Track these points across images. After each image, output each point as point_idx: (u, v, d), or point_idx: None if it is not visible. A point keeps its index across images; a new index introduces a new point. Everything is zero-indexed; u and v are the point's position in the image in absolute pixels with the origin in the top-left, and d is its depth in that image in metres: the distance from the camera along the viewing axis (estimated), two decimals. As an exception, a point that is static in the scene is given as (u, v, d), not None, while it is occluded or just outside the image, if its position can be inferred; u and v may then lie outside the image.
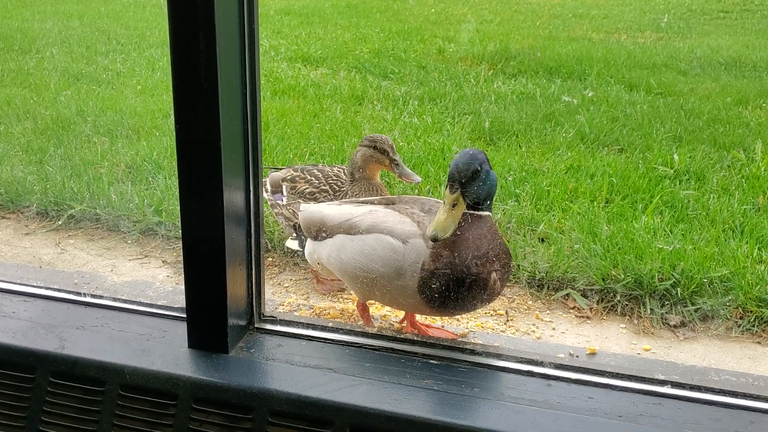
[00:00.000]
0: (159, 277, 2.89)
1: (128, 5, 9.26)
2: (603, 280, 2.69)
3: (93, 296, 1.94)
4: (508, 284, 2.73)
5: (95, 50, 6.69)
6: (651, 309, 2.59)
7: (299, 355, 1.68)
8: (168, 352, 1.67)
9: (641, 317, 2.58)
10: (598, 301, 2.65)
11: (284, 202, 2.87)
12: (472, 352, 1.71)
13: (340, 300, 2.70)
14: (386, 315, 2.52)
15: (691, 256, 2.75)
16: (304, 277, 2.89)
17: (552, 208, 3.31)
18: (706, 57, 6.28)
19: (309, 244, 2.33)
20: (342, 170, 2.91)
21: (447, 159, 3.85)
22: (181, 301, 1.78)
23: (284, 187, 2.91)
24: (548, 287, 2.74)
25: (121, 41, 7.08)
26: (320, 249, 2.23)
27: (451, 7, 9.25)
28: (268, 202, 2.95)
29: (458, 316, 2.52)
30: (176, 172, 1.58)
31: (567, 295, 2.70)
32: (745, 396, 1.54)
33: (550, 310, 2.64)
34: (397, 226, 2.01)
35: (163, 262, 3.03)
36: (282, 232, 3.03)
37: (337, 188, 2.83)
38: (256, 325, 1.79)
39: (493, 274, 1.87)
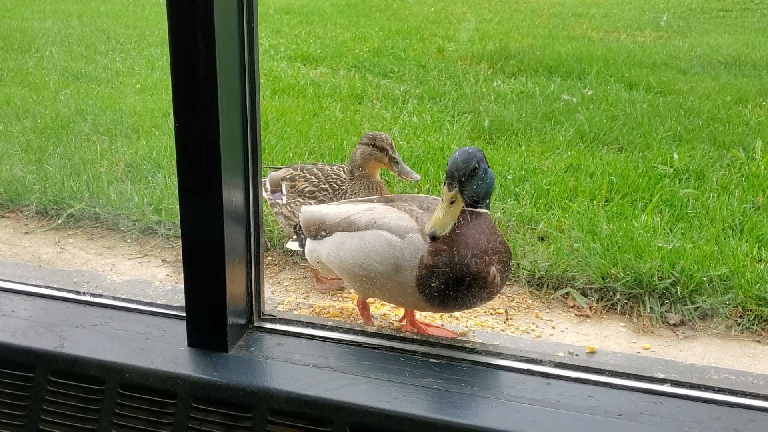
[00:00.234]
0: (158, 276, 2.89)
1: (127, 4, 9.25)
2: (602, 278, 2.69)
3: (92, 295, 1.94)
4: (507, 282, 2.73)
5: (95, 49, 6.69)
6: (650, 308, 2.59)
7: (299, 353, 1.68)
8: (167, 351, 1.67)
9: (641, 316, 2.58)
10: (597, 300, 2.65)
11: (284, 201, 2.88)
12: (472, 350, 1.71)
13: (340, 299, 2.70)
14: (386, 314, 2.52)
15: (691, 254, 2.76)
16: (303, 275, 2.89)
17: (551, 206, 3.31)
18: (705, 56, 6.28)
19: (309, 243, 2.33)
20: (342, 169, 2.91)
21: (446, 158, 3.85)
22: (180, 300, 1.78)
23: (284, 186, 2.91)
24: (548, 286, 2.74)
25: (120, 40, 7.07)
26: (319, 247, 2.23)
27: (450, 6, 9.24)
28: (268, 202, 2.95)
29: (457, 315, 2.52)
30: (176, 171, 1.58)
31: (566, 293, 2.70)
32: (744, 394, 1.54)
33: (550, 309, 2.64)
34: (395, 222, 2.01)
35: (162, 261, 3.03)
36: (281, 231, 3.03)
37: (337, 187, 2.83)
38: (256, 324, 1.79)
39: (492, 269, 1.87)
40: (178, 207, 1.63)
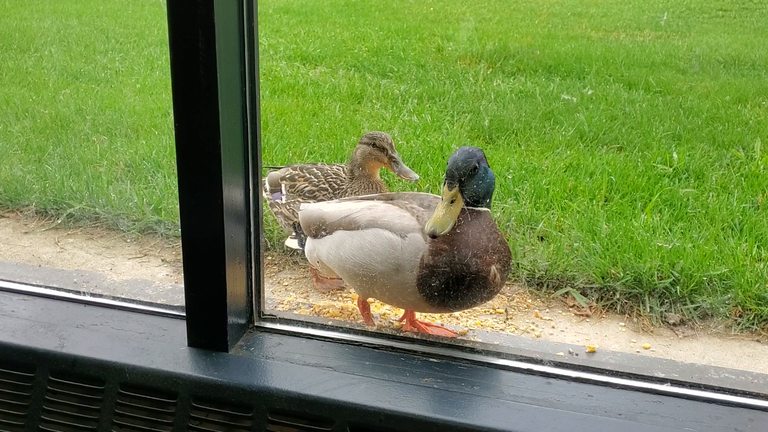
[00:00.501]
0: (158, 276, 2.89)
1: (127, 4, 9.25)
2: (602, 278, 2.70)
3: (92, 295, 1.94)
4: (507, 282, 2.73)
5: (94, 49, 6.69)
6: (650, 307, 2.59)
7: (299, 353, 1.68)
8: (168, 351, 1.67)
9: (640, 315, 2.58)
10: (597, 300, 2.65)
11: (283, 201, 2.87)
12: (472, 350, 1.71)
13: (340, 298, 2.70)
14: (386, 313, 2.52)
15: (691, 254, 2.76)
16: (303, 275, 2.89)
17: (551, 206, 3.31)
18: (705, 55, 6.28)
19: (309, 242, 2.32)
20: (341, 168, 2.91)
21: (446, 157, 3.85)
22: (180, 299, 1.78)
23: (283, 186, 2.91)
24: (548, 285, 2.74)
25: (119, 40, 7.07)
26: (319, 246, 2.23)
27: (449, 6, 9.24)
28: (267, 201, 2.95)
29: (457, 314, 2.52)
30: (175, 171, 1.58)
31: (566, 293, 2.70)
32: (744, 394, 1.54)
33: (550, 309, 2.64)
34: (396, 221, 2.00)
35: (162, 260, 3.03)
36: (281, 231, 3.03)
37: (337, 186, 2.83)
38: (256, 324, 1.79)
39: (493, 268, 1.87)
40: (178, 206, 1.63)
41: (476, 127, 4.49)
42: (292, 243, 2.59)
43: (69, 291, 1.96)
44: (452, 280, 1.87)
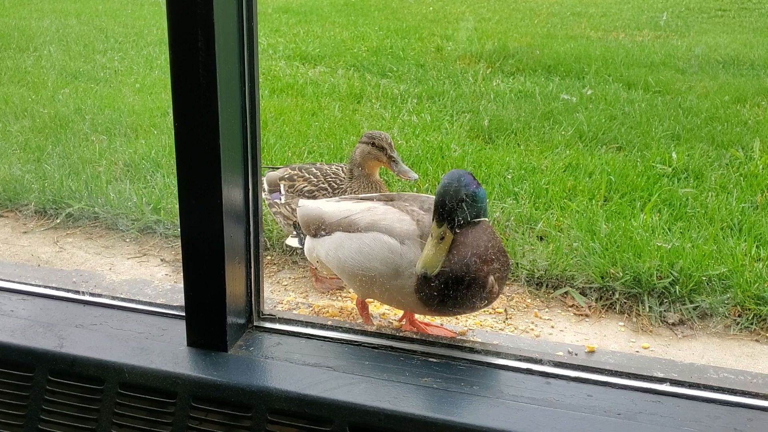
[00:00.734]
0: (158, 276, 2.89)
1: (126, 3, 9.25)
2: (601, 278, 2.70)
3: (91, 295, 1.94)
4: (506, 284, 2.73)
5: (93, 48, 6.68)
6: (649, 307, 2.59)
7: (298, 353, 1.68)
8: (167, 351, 1.67)
9: (640, 315, 2.58)
10: (596, 299, 2.65)
11: (282, 201, 2.87)
12: (471, 350, 1.71)
13: (339, 298, 2.70)
14: (385, 313, 2.52)
15: (690, 254, 2.76)
16: (302, 275, 2.89)
17: (550, 206, 3.31)
18: (704, 55, 6.28)
19: (308, 241, 2.32)
20: (340, 168, 2.91)
21: (445, 157, 3.85)
22: (179, 299, 1.78)
23: (282, 186, 2.91)
24: (547, 285, 2.74)
25: (119, 39, 7.06)
26: (319, 246, 2.23)
27: (449, 6, 9.24)
28: (266, 201, 2.95)
29: (458, 315, 2.52)
30: (175, 171, 1.58)
31: (566, 293, 2.70)
32: (743, 393, 1.54)
33: (549, 308, 2.64)
34: (396, 225, 2.00)
35: (161, 260, 3.03)
36: (280, 231, 3.03)
37: (336, 186, 2.83)
38: (255, 324, 1.79)
39: (491, 278, 1.87)
40: (177, 206, 1.63)
41: (475, 126, 4.50)
42: (292, 242, 2.59)
43: (68, 291, 1.96)
44: (450, 284, 1.87)
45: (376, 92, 5.30)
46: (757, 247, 2.89)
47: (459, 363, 1.66)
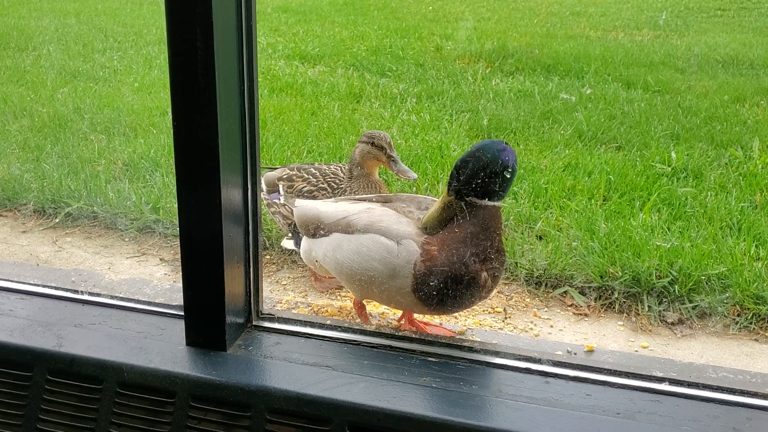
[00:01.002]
0: (156, 275, 2.89)
1: (125, 2, 9.24)
2: (601, 277, 2.70)
3: (90, 294, 1.94)
4: (506, 281, 2.73)
5: (92, 48, 6.68)
6: (648, 306, 2.59)
7: (297, 352, 1.68)
8: (166, 350, 1.67)
9: (639, 314, 2.58)
10: (595, 299, 2.65)
11: (282, 201, 2.87)
12: (470, 349, 1.71)
13: (338, 298, 2.70)
14: (384, 313, 2.52)
15: (689, 253, 2.76)
16: (302, 274, 2.89)
17: (550, 205, 3.31)
18: (703, 55, 6.28)
19: (305, 241, 2.32)
20: (339, 168, 2.91)
21: (445, 156, 3.85)
22: (178, 298, 1.78)
23: (281, 187, 2.91)
24: (546, 285, 2.74)
25: (118, 38, 7.06)
26: (316, 247, 2.23)
27: (448, 5, 9.24)
28: (264, 201, 2.95)
29: (456, 314, 2.52)
30: (174, 170, 1.58)
31: (565, 292, 2.70)
32: (742, 393, 1.54)
33: (548, 308, 2.64)
34: (393, 226, 2.00)
35: (160, 259, 3.02)
36: (280, 231, 3.03)
37: (336, 186, 2.83)
38: (254, 323, 1.79)
39: (484, 273, 1.87)
40: (176, 205, 1.63)
41: (475, 126, 4.49)
42: (288, 244, 2.59)
43: (67, 290, 1.96)
44: (444, 284, 1.87)
45: (375, 92, 5.30)
46: (756, 246, 2.90)
47: (458, 362, 1.66)
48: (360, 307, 2.30)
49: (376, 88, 5.40)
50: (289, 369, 1.61)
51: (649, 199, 3.34)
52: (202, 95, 1.49)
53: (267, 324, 1.79)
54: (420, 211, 2.05)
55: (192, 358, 1.64)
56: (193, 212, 1.59)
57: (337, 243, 2.12)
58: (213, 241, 1.59)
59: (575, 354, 2.08)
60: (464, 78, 5.64)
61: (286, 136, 4.25)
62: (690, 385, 1.56)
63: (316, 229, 2.22)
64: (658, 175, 3.67)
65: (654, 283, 2.64)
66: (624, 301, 2.63)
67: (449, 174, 1.88)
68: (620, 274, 2.68)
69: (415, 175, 2.67)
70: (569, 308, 2.64)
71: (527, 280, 2.76)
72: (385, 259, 1.97)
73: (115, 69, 6.00)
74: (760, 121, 4.57)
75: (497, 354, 1.69)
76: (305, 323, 1.80)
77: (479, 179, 1.84)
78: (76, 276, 2.57)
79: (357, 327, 1.81)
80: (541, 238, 3.02)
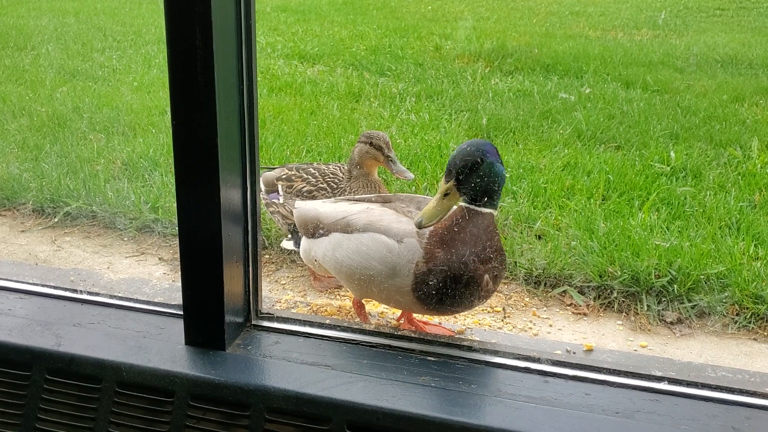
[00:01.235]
0: (155, 275, 2.89)
1: (124, 1, 9.24)
2: (600, 276, 2.70)
3: (89, 293, 1.94)
4: (505, 281, 2.73)
5: (91, 47, 6.67)
6: (648, 306, 2.59)
7: (296, 352, 1.68)
8: (165, 350, 1.67)
9: (638, 314, 2.58)
10: (594, 298, 2.66)
11: (281, 201, 2.87)
12: (470, 348, 1.71)
13: (338, 297, 2.70)
14: (383, 312, 2.52)
15: (688, 253, 2.76)
16: (301, 274, 2.89)
17: (549, 205, 3.31)
18: (702, 54, 6.29)
19: (304, 241, 2.32)
20: (339, 168, 2.91)
21: (444, 156, 3.85)
22: (177, 298, 1.78)
23: (280, 187, 2.91)
24: (545, 284, 2.74)
25: (117, 38, 7.06)
26: (316, 247, 2.23)
27: (447, 5, 9.24)
28: (263, 201, 2.95)
29: (455, 314, 2.52)
30: (173, 169, 1.58)
31: (564, 291, 2.70)
32: (741, 392, 1.54)
33: (547, 307, 2.64)
34: (393, 225, 2.00)
35: (159, 259, 3.02)
36: (279, 230, 3.03)
37: (335, 186, 2.83)
38: (253, 323, 1.79)
39: (486, 276, 1.87)
40: (175, 205, 1.63)
41: (474, 125, 4.49)
42: (287, 244, 2.59)
43: (66, 289, 1.96)
44: (446, 283, 1.87)
45: (374, 91, 5.30)
46: (755, 245, 2.90)
47: (457, 362, 1.66)
48: (359, 307, 2.30)
49: (376, 87, 5.40)
50: (288, 368, 1.61)
51: (648, 199, 3.34)
52: (202, 94, 1.49)
53: (266, 323, 1.79)
54: (420, 212, 2.05)
55: (191, 358, 1.64)
56: (192, 211, 1.59)
57: (337, 242, 2.12)
58: (212, 241, 1.59)
59: (574, 353, 2.08)
60: (463, 77, 5.64)
61: (285, 135, 4.25)
62: (689, 384, 1.56)
63: (316, 229, 2.22)
64: (657, 175, 3.68)
65: (653, 283, 2.64)
66: (623, 301, 2.64)
67: (447, 165, 1.86)
68: (619, 273, 2.68)
69: (412, 176, 2.67)
70: (568, 307, 2.64)
71: (526, 280, 2.76)
72: (386, 257, 1.97)
73: (114, 68, 6.00)
74: (759, 120, 4.57)
75: (496, 353, 1.69)
76: (304, 323, 1.80)
77: (474, 171, 1.83)
78: (75, 275, 2.57)
79: (356, 326, 1.81)
80: (540, 237, 3.02)
